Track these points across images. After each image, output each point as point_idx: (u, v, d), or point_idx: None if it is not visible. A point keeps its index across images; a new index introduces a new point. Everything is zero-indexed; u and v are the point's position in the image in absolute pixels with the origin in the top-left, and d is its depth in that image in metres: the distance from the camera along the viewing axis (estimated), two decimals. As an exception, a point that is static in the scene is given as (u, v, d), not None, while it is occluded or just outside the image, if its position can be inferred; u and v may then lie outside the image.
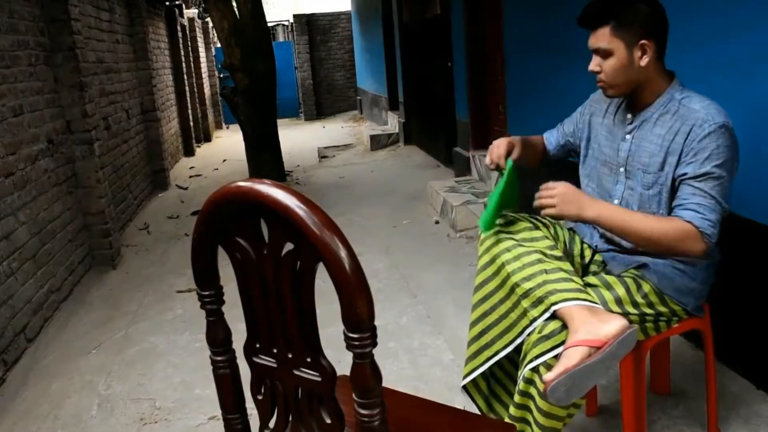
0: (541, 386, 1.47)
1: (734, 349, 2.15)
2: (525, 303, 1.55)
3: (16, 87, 3.34)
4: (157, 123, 6.74)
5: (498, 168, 1.78)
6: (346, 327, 0.92)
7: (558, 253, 1.63)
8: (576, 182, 1.92)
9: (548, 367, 1.46)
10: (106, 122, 5.00)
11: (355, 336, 0.92)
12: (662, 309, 1.62)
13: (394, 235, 4.36)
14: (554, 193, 1.57)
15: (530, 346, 1.51)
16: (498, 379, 1.76)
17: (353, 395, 0.97)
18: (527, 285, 1.54)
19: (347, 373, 0.98)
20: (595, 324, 1.43)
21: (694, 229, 1.47)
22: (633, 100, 1.66)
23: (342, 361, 1.08)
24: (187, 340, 2.99)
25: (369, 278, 0.91)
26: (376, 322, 0.93)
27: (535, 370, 1.49)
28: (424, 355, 2.61)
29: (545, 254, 1.60)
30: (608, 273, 1.70)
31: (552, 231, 1.76)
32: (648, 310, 1.60)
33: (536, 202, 1.60)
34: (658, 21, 1.56)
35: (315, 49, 13.77)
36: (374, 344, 0.93)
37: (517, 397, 1.54)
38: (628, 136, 1.66)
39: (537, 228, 1.71)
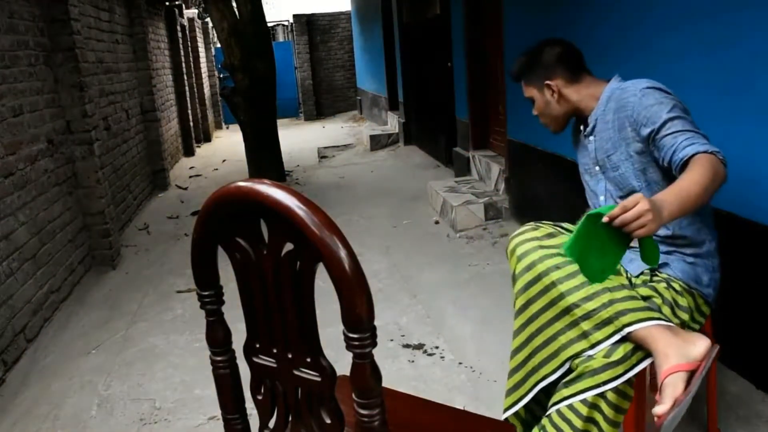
0: (608, 411, 1.43)
1: (734, 349, 2.15)
2: (585, 325, 1.45)
3: (16, 87, 3.34)
4: (157, 123, 6.74)
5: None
6: (346, 327, 0.92)
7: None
8: (569, 181, 1.93)
9: (618, 392, 1.41)
10: (105, 122, 5.00)
11: (354, 336, 0.92)
12: (692, 305, 1.62)
13: (394, 235, 4.36)
14: (643, 208, 1.28)
15: (591, 370, 1.43)
16: (539, 401, 1.66)
17: (353, 395, 0.97)
18: (589, 305, 1.44)
19: (347, 373, 0.98)
20: (683, 346, 1.37)
21: (706, 155, 1.45)
22: (580, 116, 1.81)
23: (342, 361, 1.08)
24: (186, 340, 2.99)
25: (369, 278, 0.91)
26: (376, 322, 0.93)
27: (601, 395, 1.43)
28: (424, 355, 2.61)
29: None
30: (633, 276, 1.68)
31: None
32: (689, 313, 1.60)
33: (627, 227, 1.31)
34: (558, 59, 1.78)
35: (315, 50, 13.77)
36: (374, 344, 0.93)
37: (579, 423, 1.45)
38: (590, 138, 1.77)
39: None
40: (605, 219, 1.29)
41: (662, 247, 1.66)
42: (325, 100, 14.01)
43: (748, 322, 2.09)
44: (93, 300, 3.68)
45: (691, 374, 1.35)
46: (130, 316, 3.36)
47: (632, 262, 1.69)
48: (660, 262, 1.63)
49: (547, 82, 1.79)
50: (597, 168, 1.77)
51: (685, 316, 1.59)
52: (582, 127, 1.82)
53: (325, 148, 8.74)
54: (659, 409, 1.30)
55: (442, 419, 1.38)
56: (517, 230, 1.66)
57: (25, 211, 3.28)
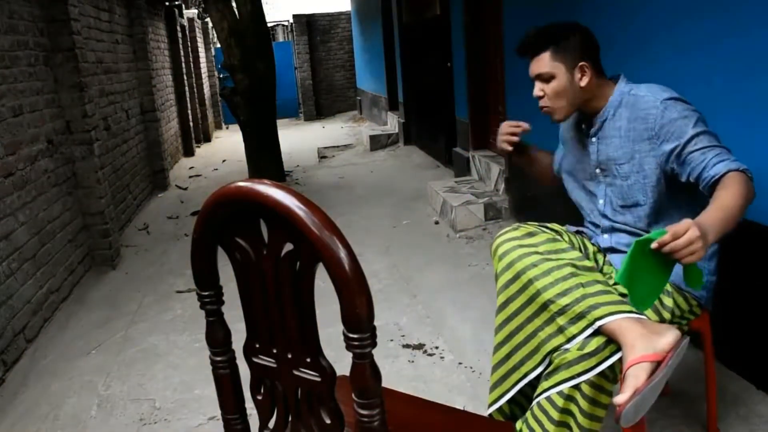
0: (583, 404, 1.45)
1: (734, 349, 2.15)
2: (561, 320, 1.49)
3: (15, 87, 3.34)
4: (157, 123, 6.74)
5: (512, 145, 1.80)
6: (346, 327, 0.92)
7: (589, 263, 1.59)
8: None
9: (592, 384, 1.44)
10: (105, 122, 5.00)
11: (354, 336, 0.92)
12: (684, 306, 1.63)
13: (394, 235, 4.36)
14: (693, 235, 1.28)
15: (566, 362, 1.46)
16: (516, 400, 1.70)
17: (353, 395, 0.97)
18: (563, 301, 1.48)
19: (347, 373, 0.98)
20: (650, 337, 1.39)
21: (738, 173, 1.47)
22: (586, 113, 1.74)
23: (342, 362, 1.08)
24: (186, 340, 2.99)
25: (369, 278, 0.91)
26: (376, 322, 0.93)
27: (576, 387, 1.45)
28: (424, 355, 2.61)
29: (576, 266, 1.55)
30: None
31: (567, 238, 1.73)
32: (676, 311, 1.61)
33: (677, 254, 1.31)
34: (591, 44, 1.68)
35: (315, 50, 13.77)
36: (374, 344, 0.93)
37: (555, 414, 1.49)
38: (593, 139, 1.74)
39: (557, 239, 1.66)
40: (654, 245, 1.30)
41: None
42: (325, 100, 14.01)
43: (747, 321, 2.09)
44: (93, 300, 3.68)
45: (657, 365, 1.37)
46: (130, 316, 3.36)
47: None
48: None
49: (582, 63, 1.66)
50: (598, 171, 1.74)
51: (667, 315, 1.60)
52: (584, 126, 1.77)
53: (325, 148, 8.74)
54: (618, 399, 1.33)
55: (442, 419, 1.39)
56: (500, 231, 1.70)
57: (24, 211, 3.28)
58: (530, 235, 1.63)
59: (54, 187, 3.73)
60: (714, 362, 1.80)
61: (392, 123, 9.07)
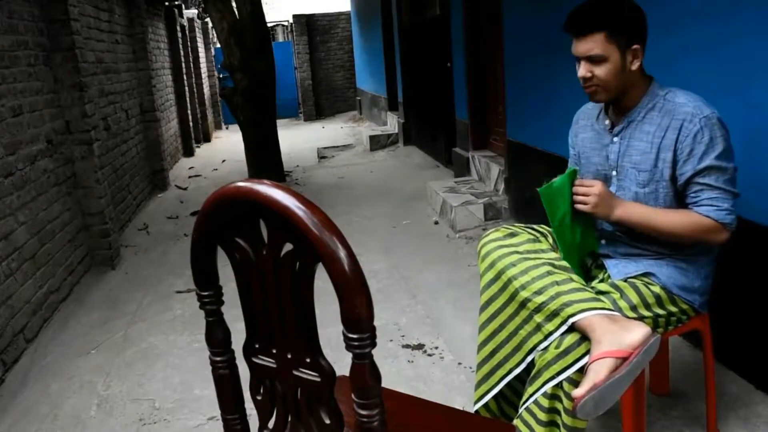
0: (566, 402, 1.46)
1: (733, 349, 2.15)
2: (538, 317, 1.52)
3: (15, 87, 3.34)
4: (157, 123, 6.73)
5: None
6: (346, 327, 0.92)
7: (565, 263, 1.63)
8: None
9: (572, 381, 1.44)
10: (105, 122, 5.00)
11: (354, 336, 0.92)
12: (673, 309, 1.63)
13: (394, 236, 4.36)
14: (592, 192, 1.59)
15: (546, 363, 1.49)
16: (506, 397, 1.73)
17: (352, 395, 0.97)
18: (539, 299, 1.52)
19: (347, 373, 0.98)
20: (618, 333, 1.41)
21: (713, 222, 1.53)
22: (616, 105, 1.67)
23: (342, 362, 1.08)
24: (186, 340, 2.99)
25: (368, 278, 0.91)
26: (376, 322, 0.93)
27: (558, 385, 1.47)
28: (424, 355, 2.61)
29: (554, 265, 1.58)
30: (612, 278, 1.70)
31: (550, 241, 1.75)
32: (660, 311, 1.61)
33: (574, 197, 1.64)
34: (643, 26, 1.60)
35: (314, 50, 13.77)
36: (373, 345, 0.93)
37: (542, 415, 1.51)
38: (615, 139, 1.68)
39: (538, 240, 1.69)
40: (574, 197, 1.63)
41: (656, 256, 1.66)
42: (325, 101, 14.01)
43: (747, 322, 2.09)
44: (92, 300, 3.68)
45: (623, 361, 1.39)
46: (130, 316, 3.36)
47: (615, 267, 1.70)
48: (648, 270, 1.65)
49: (635, 46, 1.55)
50: (614, 173, 1.69)
51: (647, 313, 1.59)
52: (608, 122, 1.70)
53: (325, 148, 8.74)
54: (576, 392, 1.37)
55: (441, 419, 1.39)
56: (485, 233, 1.73)
57: (24, 211, 3.28)
58: (512, 235, 1.68)
59: (54, 187, 3.73)
60: (714, 362, 1.81)
61: (392, 123, 9.07)
